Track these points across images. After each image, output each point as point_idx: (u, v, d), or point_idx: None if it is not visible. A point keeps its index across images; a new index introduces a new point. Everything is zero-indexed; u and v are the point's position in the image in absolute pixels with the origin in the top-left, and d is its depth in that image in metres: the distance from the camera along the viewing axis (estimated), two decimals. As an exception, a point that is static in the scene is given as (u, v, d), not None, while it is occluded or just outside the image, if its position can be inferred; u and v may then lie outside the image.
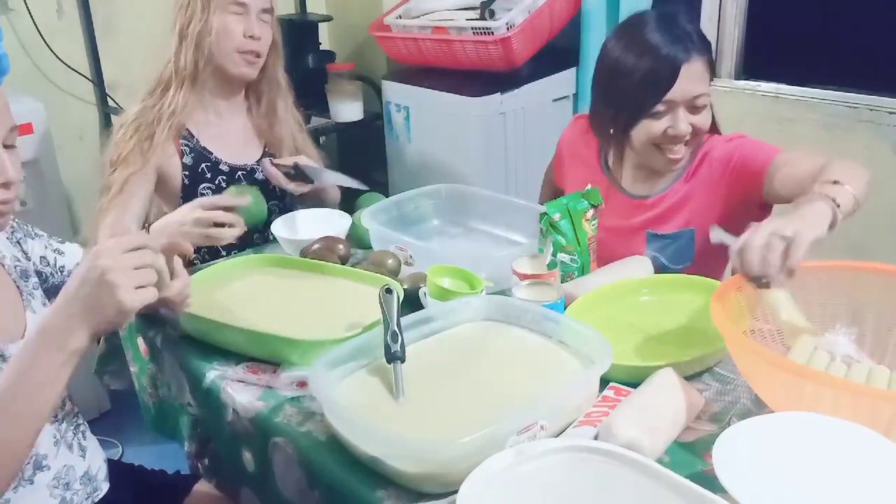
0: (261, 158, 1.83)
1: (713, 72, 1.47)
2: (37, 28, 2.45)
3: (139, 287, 0.95)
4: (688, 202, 1.52)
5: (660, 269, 1.51)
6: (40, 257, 1.27)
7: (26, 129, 2.16)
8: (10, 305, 1.16)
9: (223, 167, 1.79)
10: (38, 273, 1.27)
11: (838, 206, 1.15)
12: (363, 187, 1.73)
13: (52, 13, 2.51)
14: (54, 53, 2.50)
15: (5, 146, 1.06)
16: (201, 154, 1.78)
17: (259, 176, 1.81)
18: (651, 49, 1.39)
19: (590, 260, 1.45)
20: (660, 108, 1.41)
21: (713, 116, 1.51)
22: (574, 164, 1.71)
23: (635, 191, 1.59)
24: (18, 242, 1.25)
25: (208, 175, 1.77)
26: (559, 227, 1.40)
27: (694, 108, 1.42)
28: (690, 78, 1.39)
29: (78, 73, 2.56)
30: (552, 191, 1.79)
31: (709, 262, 1.51)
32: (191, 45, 1.71)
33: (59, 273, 1.29)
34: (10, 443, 0.96)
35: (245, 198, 1.56)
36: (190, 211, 1.46)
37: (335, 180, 1.75)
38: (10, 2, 2.40)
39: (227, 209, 1.49)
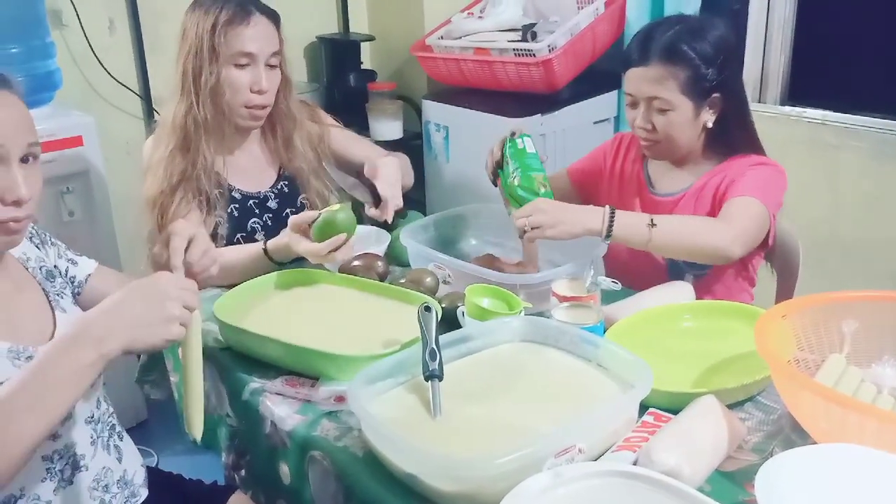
0: (276, 184, 1.81)
1: (699, 86, 1.52)
2: (89, 43, 2.51)
3: (182, 323, 1.00)
4: (700, 206, 1.59)
5: (679, 274, 1.59)
6: (53, 266, 1.27)
7: (76, 141, 2.21)
8: (37, 308, 1.17)
9: (235, 194, 1.76)
10: None
11: (612, 223, 1.40)
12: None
13: (103, 29, 2.57)
14: (104, 68, 2.56)
15: (24, 161, 1.06)
16: (214, 181, 1.72)
17: (271, 204, 1.79)
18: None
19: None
20: (628, 98, 1.58)
21: (754, 136, 1.61)
22: (612, 177, 1.77)
23: (661, 188, 1.67)
24: (42, 244, 1.26)
25: (220, 202, 1.72)
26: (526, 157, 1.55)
27: (655, 110, 1.54)
28: (645, 79, 1.53)
29: (127, 87, 2.62)
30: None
31: (726, 274, 1.61)
32: (206, 100, 1.66)
33: (70, 284, 1.28)
34: (15, 433, 0.94)
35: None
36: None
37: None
38: (63, 18, 2.47)
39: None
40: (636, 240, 1.43)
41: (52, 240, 1.29)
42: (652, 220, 1.42)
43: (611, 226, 1.41)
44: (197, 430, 1.10)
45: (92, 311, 0.98)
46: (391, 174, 1.66)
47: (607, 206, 1.43)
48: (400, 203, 1.63)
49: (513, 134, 1.62)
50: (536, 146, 1.61)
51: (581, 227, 1.41)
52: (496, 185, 1.65)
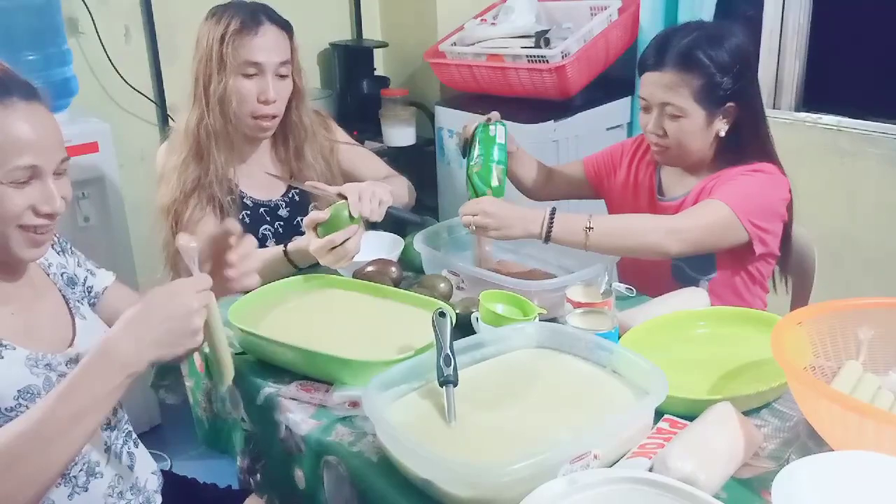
0: (287, 192, 1.82)
1: (712, 94, 1.50)
2: (105, 51, 2.53)
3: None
4: None
5: (684, 277, 1.58)
6: (73, 273, 1.28)
7: (92, 147, 2.23)
8: (56, 314, 1.18)
9: (247, 202, 1.77)
10: None
11: (551, 226, 1.44)
12: (414, 218, 1.68)
13: (119, 37, 2.59)
14: (120, 75, 2.58)
15: (56, 175, 1.09)
16: (226, 188, 1.74)
17: (282, 212, 1.81)
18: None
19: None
20: (642, 102, 1.58)
21: (768, 146, 1.58)
22: (626, 171, 1.77)
23: (670, 193, 1.67)
24: (63, 251, 1.27)
25: (231, 209, 1.73)
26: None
27: (667, 116, 1.53)
28: (659, 85, 1.52)
29: (142, 94, 2.64)
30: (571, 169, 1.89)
31: (734, 280, 1.60)
32: (215, 108, 1.67)
33: (87, 293, 1.29)
34: (44, 461, 0.96)
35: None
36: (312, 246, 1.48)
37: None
38: (80, 26, 2.50)
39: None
40: (574, 242, 1.46)
41: (73, 249, 1.30)
42: (589, 222, 1.44)
43: (550, 229, 1.43)
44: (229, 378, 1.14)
45: (117, 331, 0.98)
46: (366, 185, 1.56)
47: (548, 209, 1.46)
48: (365, 210, 1.52)
49: (488, 119, 1.62)
50: (508, 137, 1.61)
51: (521, 231, 1.45)
52: (464, 157, 1.68)
